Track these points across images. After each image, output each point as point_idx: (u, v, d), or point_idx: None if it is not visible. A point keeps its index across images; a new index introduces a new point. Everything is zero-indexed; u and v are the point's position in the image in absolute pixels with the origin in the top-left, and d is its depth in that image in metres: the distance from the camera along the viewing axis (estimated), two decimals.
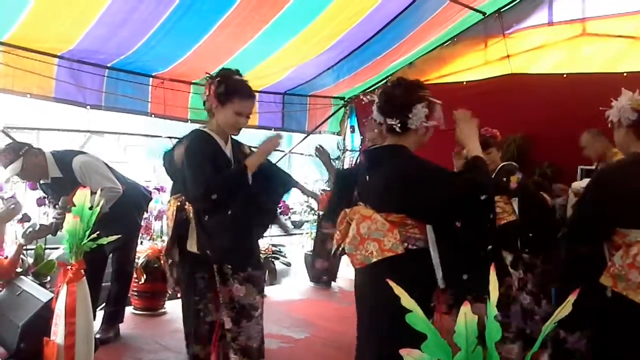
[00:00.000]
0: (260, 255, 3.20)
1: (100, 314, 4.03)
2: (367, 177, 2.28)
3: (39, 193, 4.16)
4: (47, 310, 2.89)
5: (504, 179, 3.56)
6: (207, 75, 2.74)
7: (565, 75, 4.69)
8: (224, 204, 2.60)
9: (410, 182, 2.09)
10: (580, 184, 2.77)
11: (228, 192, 2.60)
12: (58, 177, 3.66)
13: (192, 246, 2.77)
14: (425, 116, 2.11)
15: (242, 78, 2.73)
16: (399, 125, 2.13)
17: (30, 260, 4.14)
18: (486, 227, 2.10)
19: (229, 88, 2.64)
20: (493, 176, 2.97)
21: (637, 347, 2.23)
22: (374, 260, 2.07)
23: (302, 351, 4.04)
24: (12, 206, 3.81)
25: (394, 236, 2.07)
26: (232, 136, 2.84)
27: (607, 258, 2.35)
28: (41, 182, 3.77)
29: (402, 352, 1.03)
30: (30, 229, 3.80)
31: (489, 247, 2.09)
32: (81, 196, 2.72)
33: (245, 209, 2.69)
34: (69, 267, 2.75)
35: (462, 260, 2.06)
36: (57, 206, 3.61)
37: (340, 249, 2.24)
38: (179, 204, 2.81)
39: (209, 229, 2.67)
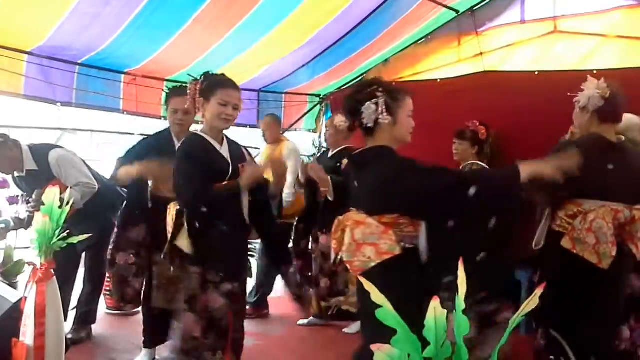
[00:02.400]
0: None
1: (72, 314, 3.97)
2: (356, 182, 2.30)
3: (9, 192, 4.09)
4: (16, 311, 2.84)
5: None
6: (191, 77, 2.76)
7: (537, 73, 4.74)
8: (215, 217, 2.65)
9: (396, 179, 2.12)
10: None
11: (219, 208, 2.65)
12: (33, 169, 3.63)
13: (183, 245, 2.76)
14: (379, 111, 2.15)
15: (224, 75, 2.80)
16: (360, 125, 2.22)
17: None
18: (480, 229, 2.10)
19: (211, 82, 2.70)
20: None
21: (588, 301, 2.57)
22: (373, 264, 2.06)
23: (278, 348, 4.04)
24: None
25: (389, 237, 2.07)
26: (228, 137, 2.87)
27: (541, 221, 2.77)
28: (16, 174, 3.72)
29: (373, 347, 1.03)
30: (3, 226, 3.75)
31: (482, 253, 2.06)
32: (50, 195, 2.68)
33: (235, 228, 2.74)
34: (38, 267, 2.71)
35: (449, 262, 1.99)
36: (30, 200, 3.57)
37: (339, 257, 2.22)
38: (178, 207, 2.78)
39: (201, 237, 2.68)
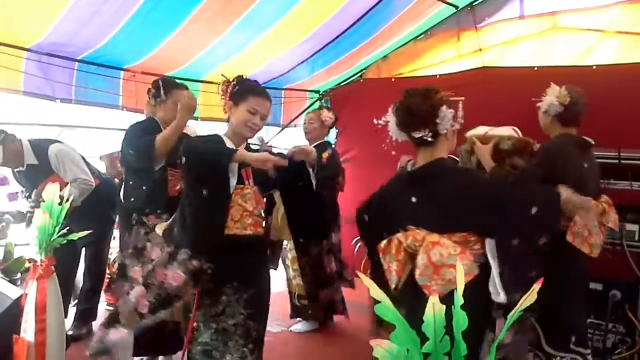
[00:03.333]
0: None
1: (72, 310, 3.99)
2: (413, 198, 2.13)
3: (9, 188, 4.10)
4: (16, 307, 2.85)
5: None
6: (223, 78, 2.65)
7: (536, 68, 4.74)
8: (200, 179, 2.43)
9: (468, 194, 2.02)
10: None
11: (200, 160, 2.41)
12: (33, 164, 3.64)
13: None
14: (452, 117, 2.05)
15: (257, 82, 2.68)
16: (430, 134, 2.05)
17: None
18: (536, 246, 2.03)
19: (244, 87, 2.58)
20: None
21: (565, 289, 2.73)
22: (453, 287, 1.96)
23: (280, 345, 4.05)
24: None
25: (467, 257, 1.96)
26: (251, 147, 2.71)
27: None
28: (15, 170, 3.73)
29: (372, 342, 1.04)
30: (4, 224, 3.77)
31: (536, 271, 1.98)
32: (50, 191, 2.69)
33: (220, 194, 2.46)
34: (38, 264, 2.72)
35: (512, 278, 1.96)
36: (29, 196, 3.58)
37: (402, 280, 2.07)
38: None
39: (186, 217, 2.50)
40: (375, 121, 2.22)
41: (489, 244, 1.99)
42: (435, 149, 2.10)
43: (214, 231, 2.46)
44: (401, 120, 2.11)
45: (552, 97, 2.93)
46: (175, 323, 3.30)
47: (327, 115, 4.27)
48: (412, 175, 2.17)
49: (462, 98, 2.10)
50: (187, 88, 3.31)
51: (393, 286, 2.07)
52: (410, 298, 1.85)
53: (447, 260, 1.93)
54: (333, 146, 5.08)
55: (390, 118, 2.16)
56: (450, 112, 2.03)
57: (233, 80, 2.59)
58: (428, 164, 2.11)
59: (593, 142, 2.97)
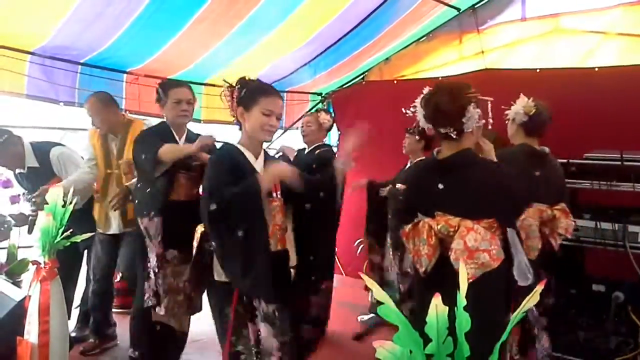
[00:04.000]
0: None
1: (76, 312, 3.99)
2: (440, 184, 2.21)
3: (13, 191, 4.11)
4: (20, 309, 2.86)
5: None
6: (225, 83, 2.53)
7: (538, 70, 4.75)
8: (233, 223, 2.24)
9: (492, 184, 2.15)
10: None
11: (230, 205, 2.22)
12: (34, 166, 3.65)
13: (219, 275, 2.40)
14: (478, 116, 2.12)
15: (261, 81, 2.59)
16: (455, 132, 2.12)
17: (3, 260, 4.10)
18: None
19: (252, 89, 2.44)
20: None
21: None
22: (488, 270, 2.08)
23: None
24: None
25: (496, 243, 2.10)
26: (266, 151, 2.59)
27: None
28: (17, 172, 3.74)
29: (375, 344, 1.04)
30: (6, 226, 3.78)
31: None
32: (54, 194, 2.70)
33: (256, 228, 2.26)
34: (42, 266, 2.73)
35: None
36: (31, 198, 3.59)
37: (431, 264, 2.19)
38: (202, 229, 2.48)
39: (219, 255, 2.35)
40: (403, 110, 2.30)
41: (510, 233, 2.14)
42: (461, 142, 2.19)
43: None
44: (428, 115, 2.20)
45: (520, 106, 3.14)
46: (183, 333, 3.31)
47: (325, 118, 4.29)
48: (441, 163, 2.25)
49: (491, 98, 2.22)
50: (188, 86, 3.26)
51: (422, 269, 2.19)
52: (441, 280, 1.91)
53: (481, 245, 2.07)
54: (334, 150, 5.10)
55: (418, 109, 2.25)
56: (477, 112, 2.12)
57: (237, 85, 2.48)
58: (456, 154, 2.20)
59: (548, 151, 3.15)
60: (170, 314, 3.08)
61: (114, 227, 3.67)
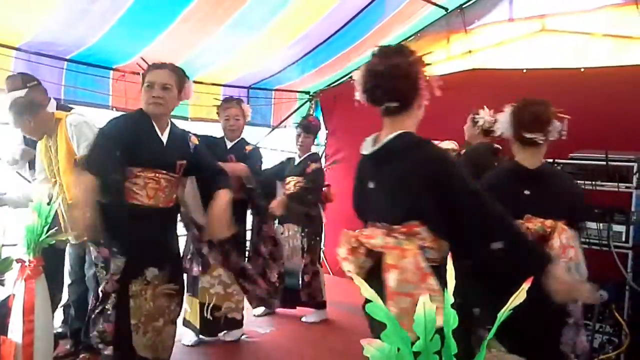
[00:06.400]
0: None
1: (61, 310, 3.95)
2: (527, 191, 2.53)
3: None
4: (4, 308, 2.83)
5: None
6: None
7: (525, 71, 4.78)
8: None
9: (571, 196, 2.66)
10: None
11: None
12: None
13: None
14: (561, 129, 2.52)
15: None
16: (543, 139, 2.52)
17: None
18: None
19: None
20: None
21: None
22: (573, 264, 2.42)
23: (268, 345, 4.05)
24: None
25: (578, 241, 2.55)
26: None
27: None
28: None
29: (363, 342, 1.04)
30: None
31: None
32: (39, 192, 2.68)
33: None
34: (26, 264, 2.71)
35: None
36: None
37: None
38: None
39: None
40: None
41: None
42: (540, 151, 2.54)
43: None
44: (523, 122, 2.50)
45: (486, 115, 3.84)
46: None
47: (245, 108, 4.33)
48: (528, 173, 2.54)
49: (568, 117, 2.55)
50: (170, 68, 2.94)
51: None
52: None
53: (570, 242, 2.41)
54: (321, 157, 5.21)
55: (507, 115, 2.60)
56: (560, 125, 2.48)
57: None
58: (542, 166, 2.58)
59: (501, 148, 3.57)
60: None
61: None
